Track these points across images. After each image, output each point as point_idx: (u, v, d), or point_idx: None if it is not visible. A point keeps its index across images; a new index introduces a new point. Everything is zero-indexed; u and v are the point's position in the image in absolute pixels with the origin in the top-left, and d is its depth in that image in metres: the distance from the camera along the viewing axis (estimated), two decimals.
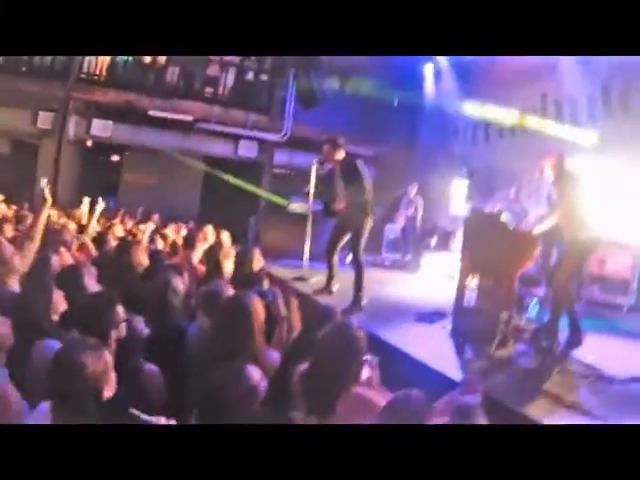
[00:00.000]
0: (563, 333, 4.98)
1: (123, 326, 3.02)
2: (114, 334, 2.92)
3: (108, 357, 2.28)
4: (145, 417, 1.96)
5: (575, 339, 4.91)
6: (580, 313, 5.12)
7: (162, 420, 1.94)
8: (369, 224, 6.31)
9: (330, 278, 6.70)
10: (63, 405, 2.11)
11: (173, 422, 1.95)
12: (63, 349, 2.29)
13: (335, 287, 6.68)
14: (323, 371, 2.79)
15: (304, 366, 2.98)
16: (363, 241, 6.29)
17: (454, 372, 4.32)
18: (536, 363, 4.58)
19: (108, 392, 2.22)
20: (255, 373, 2.60)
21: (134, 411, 2.00)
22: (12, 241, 4.56)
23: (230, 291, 3.98)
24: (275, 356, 3.40)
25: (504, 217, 5.73)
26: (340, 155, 6.41)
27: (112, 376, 2.26)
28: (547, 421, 3.44)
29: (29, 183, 11.28)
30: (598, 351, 4.74)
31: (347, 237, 6.43)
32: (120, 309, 3.02)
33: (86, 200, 8.39)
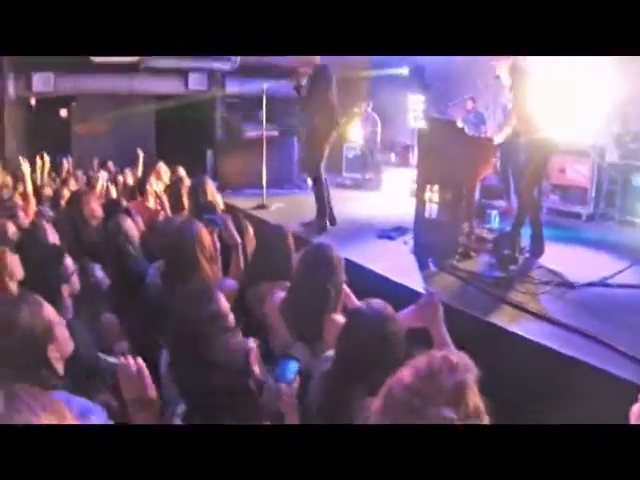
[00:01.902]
0: (524, 242, 5.01)
1: (75, 280, 2.93)
2: (66, 289, 2.82)
3: (49, 313, 2.08)
4: (111, 360, 1.91)
5: (538, 248, 4.95)
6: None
7: (130, 361, 1.86)
8: (335, 133, 6.19)
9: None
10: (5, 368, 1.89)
11: (140, 361, 1.88)
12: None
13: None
14: (304, 296, 2.70)
15: (280, 294, 2.90)
16: (326, 151, 6.17)
17: (418, 286, 4.33)
18: (499, 273, 4.60)
19: (56, 352, 2.04)
20: (222, 297, 2.48)
21: (100, 355, 1.97)
22: None
23: None
24: (231, 283, 3.32)
25: (460, 124, 5.58)
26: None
27: (60, 333, 2.09)
28: (512, 329, 3.51)
29: None
30: (558, 259, 4.81)
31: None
32: (69, 262, 2.91)
33: (23, 160, 7.94)
